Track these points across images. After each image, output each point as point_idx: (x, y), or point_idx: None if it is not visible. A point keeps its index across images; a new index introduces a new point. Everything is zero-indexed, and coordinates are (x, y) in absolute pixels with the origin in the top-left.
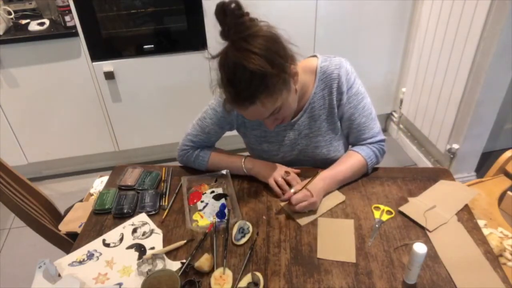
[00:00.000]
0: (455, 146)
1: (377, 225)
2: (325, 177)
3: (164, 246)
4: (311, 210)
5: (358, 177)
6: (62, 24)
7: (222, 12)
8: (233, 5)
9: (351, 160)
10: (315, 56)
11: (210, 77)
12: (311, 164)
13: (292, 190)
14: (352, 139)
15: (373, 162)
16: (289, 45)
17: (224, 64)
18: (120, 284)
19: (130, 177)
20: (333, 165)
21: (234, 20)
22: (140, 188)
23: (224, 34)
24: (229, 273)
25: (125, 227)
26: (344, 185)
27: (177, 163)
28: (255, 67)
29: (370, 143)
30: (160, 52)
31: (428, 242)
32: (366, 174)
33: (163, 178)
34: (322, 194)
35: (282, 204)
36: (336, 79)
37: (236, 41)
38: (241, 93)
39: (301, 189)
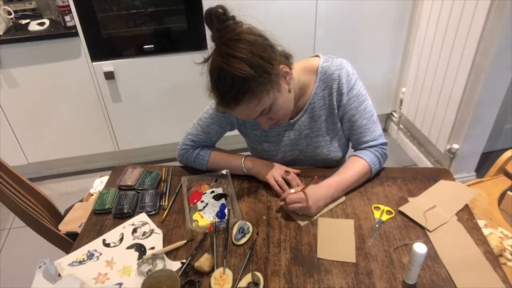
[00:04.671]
0: (455, 146)
1: (377, 225)
2: (330, 185)
3: (164, 246)
4: (306, 214)
5: (362, 182)
6: (62, 24)
7: (209, 17)
8: (219, 10)
9: (356, 167)
10: (317, 56)
11: (202, 81)
12: (311, 164)
13: (292, 191)
14: (353, 141)
15: (376, 168)
16: (277, 45)
17: (210, 68)
18: (120, 284)
19: (130, 177)
20: (338, 172)
21: (218, 25)
22: (140, 188)
23: (212, 39)
24: (229, 273)
25: (125, 227)
26: None
27: (177, 163)
28: (235, 71)
29: (371, 146)
30: (160, 52)
31: (428, 242)
32: (369, 178)
33: (163, 178)
34: (323, 201)
35: (282, 203)
36: (337, 79)
37: (219, 46)
38: (225, 96)
39: (299, 191)
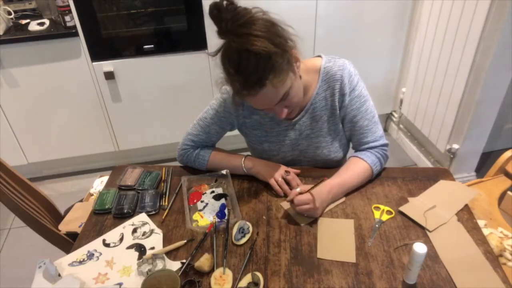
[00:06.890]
0: (455, 146)
1: (377, 225)
2: (332, 186)
3: (164, 246)
4: (310, 216)
5: (363, 183)
6: (62, 24)
7: (216, 10)
8: (225, 2)
9: (357, 168)
10: (319, 56)
11: (211, 77)
12: (311, 164)
13: (298, 190)
14: (354, 142)
15: (377, 169)
16: (287, 28)
17: (227, 55)
18: (120, 284)
19: (130, 177)
20: (338, 173)
21: (228, 14)
22: (140, 188)
23: (221, 31)
24: (229, 273)
25: (125, 227)
26: None
27: (177, 163)
28: (259, 49)
29: (372, 147)
30: (160, 52)
31: (428, 242)
32: (370, 179)
33: (163, 178)
34: (326, 203)
35: (283, 204)
36: (339, 80)
37: (235, 29)
38: (250, 78)
39: (306, 192)
